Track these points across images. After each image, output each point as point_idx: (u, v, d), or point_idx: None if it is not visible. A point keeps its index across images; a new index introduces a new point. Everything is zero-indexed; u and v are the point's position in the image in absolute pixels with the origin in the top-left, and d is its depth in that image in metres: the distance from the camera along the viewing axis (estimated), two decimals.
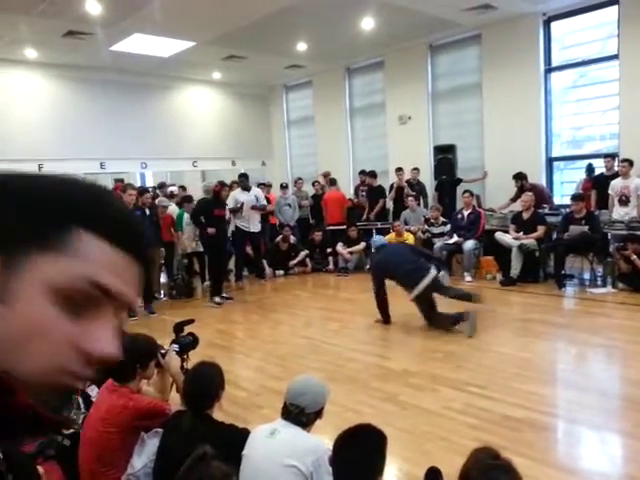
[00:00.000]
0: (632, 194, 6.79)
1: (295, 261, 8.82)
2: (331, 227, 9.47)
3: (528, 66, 8.67)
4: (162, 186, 9.41)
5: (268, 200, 9.17)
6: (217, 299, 6.92)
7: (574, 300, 6.35)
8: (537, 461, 2.69)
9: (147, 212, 6.92)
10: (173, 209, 8.04)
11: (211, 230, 6.79)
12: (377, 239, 6.06)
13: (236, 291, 7.41)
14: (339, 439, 1.79)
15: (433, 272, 5.03)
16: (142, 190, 7.32)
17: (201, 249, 7.63)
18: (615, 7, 7.78)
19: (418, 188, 9.28)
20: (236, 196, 7.76)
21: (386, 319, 5.42)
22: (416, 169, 9.39)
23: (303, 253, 8.91)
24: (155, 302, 6.82)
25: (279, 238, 8.92)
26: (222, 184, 7.12)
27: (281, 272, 8.79)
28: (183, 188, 9.28)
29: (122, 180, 11.02)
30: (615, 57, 7.91)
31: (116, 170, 10.88)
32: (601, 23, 8.22)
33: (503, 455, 1.58)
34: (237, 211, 7.68)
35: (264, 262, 8.51)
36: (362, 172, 9.80)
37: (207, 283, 8.14)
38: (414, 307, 5.23)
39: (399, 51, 10.11)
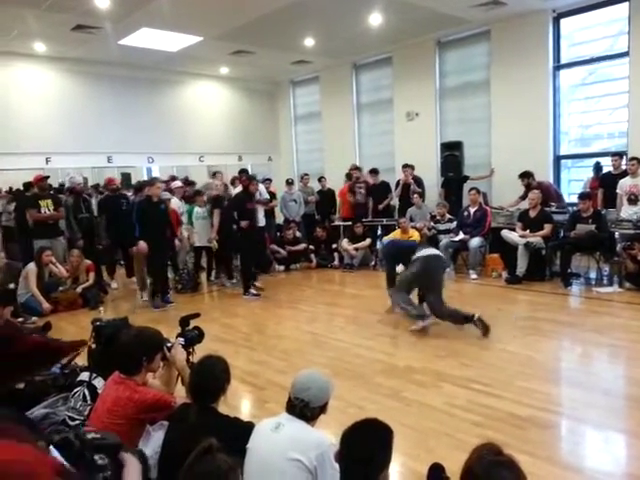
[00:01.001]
0: None
1: (295, 247, 8.87)
2: (340, 222, 9.46)
3: (537, 63, 8.61)
4: (173, 180, 9.46)
5: (272, 195, 9.20)
6: (253, 290, 7.06)
7: (580, 299, 6.33)
8: (541, 459, 2.70)
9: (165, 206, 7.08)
10: (175, 203, 8.04)
11: (244, 223, 6.98)
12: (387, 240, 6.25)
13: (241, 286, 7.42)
14: (346, 433, 1.80)
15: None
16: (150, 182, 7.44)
17: (210, 244, 7.67)
18: (626, 4, 7.71)
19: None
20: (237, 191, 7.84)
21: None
22: (409, 166, 9.19)
23: (303, 245, 8.95)
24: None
25: (285, 232, 8.97)
26: (250, 178, 7.26)
27: (281, 267, 8.80)
28: (192, 183, 9.28)
29: (129, 174, 11.07)
30: (625, 54, 7.84)
31: (123, 164, 10.92)
32: (611, 20, 8.15)
33: (506, 452, 1.58)
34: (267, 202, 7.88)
35: (274, 247, 8.69)
36: (356, 168, 9.62)
37: (212, 277, 8.21)
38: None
39: (407, 47, 10.08)
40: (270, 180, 9.71)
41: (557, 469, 2.64)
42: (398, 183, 9.42)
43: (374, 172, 9.35)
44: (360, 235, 8.75)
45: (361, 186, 9.34)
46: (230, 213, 7.25)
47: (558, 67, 8.65)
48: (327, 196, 9.95)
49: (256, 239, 7.36)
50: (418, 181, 9.14)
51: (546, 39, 8.52)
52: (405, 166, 9.19)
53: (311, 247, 9.11)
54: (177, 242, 7.25)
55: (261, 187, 8.35)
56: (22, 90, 9.56)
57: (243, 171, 8.53)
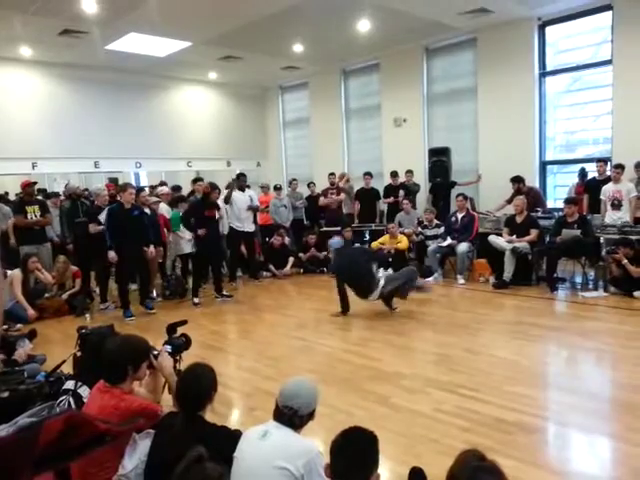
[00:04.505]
0: (624, 198, 6.85)
1: (287, 268, 8.80)
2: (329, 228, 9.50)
3: (523, 70, 8.72)
4: (162, 185, 9.40)
5: None
6: (196, 300, 7.02)
7: (566, 303, 6.39)
8: (528, 464, 2.71)
9: (148, 212, 6.96)
10: (164, 208, 8.01)
11: (201, 231, 6.87)
12: (335, 242, 6.38)
13: (229, 292, 7.39)
14: (334, 444, 1.81)
15: (381, 283, 5.67)
16: (138, 189, 7.32)
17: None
18: (609, 13, 7.85)
19: (415, 189, 9.37)
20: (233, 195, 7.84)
21: (345, 309, 5.99)
22: (410, 172, 9.41)
23: (291, 259, 8.90)
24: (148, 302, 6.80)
25: (273, 238, 8.93)
26: (213, 186, 7.18)
27: (268, 274, 8.77)
28: (178, 188, 9.23)
29: (116, 179, 10.99)
30: (609, 62, 7.98)
31: (110, 169, 10.87)
32: (595, 28, 8.29)
33: (490, 457, 1.59)
34: (228, 200, 7.74)
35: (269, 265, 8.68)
36: (332, 174, 9.78)
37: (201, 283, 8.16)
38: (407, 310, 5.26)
39: (395, 54, 10.15)
40: (268, 187, 9.84)
41: (544, 473, 2.66)
42: (386, 189, 9.49)
43: (369, 175, 9.51)
44: (350, 240, 8.76)
45: (333, 191, 9.49)
46: (188, 221, 7.09)
47: (544, 74, 8.77)
48: (316, 201, 9.96)
49: (216, 246, 7.24)
50: (407, 187, 9.23)
51: (532, 46, 8.64)
52: (407, 172, 9.40)
53: (300, 255, 9.08)
54: (152, 249, 6.56)
55: (252, 193, 8.33)
56: (8, 95, 9.47)
57: (243, 175, 8.46)
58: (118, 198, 6.58)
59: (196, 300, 7.01)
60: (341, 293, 5.98)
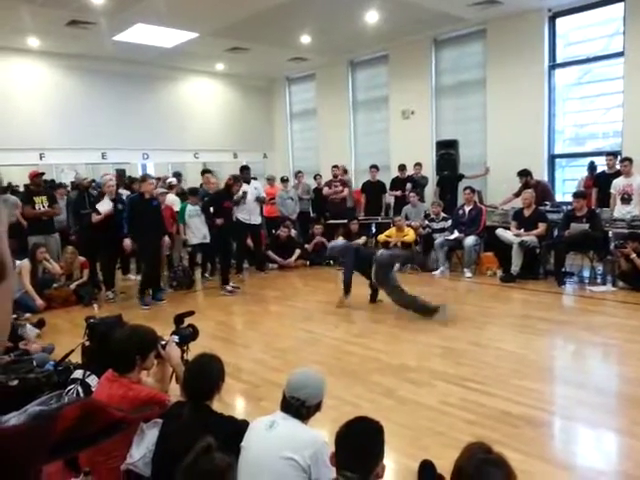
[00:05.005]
0: (635, 192, 6.77)
1: (292, 258, 8.81)
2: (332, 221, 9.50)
3: (532, 62, 8.63)
4: (174, 176, 9.43)
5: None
6: (229, 287, 7.07)
7: (574, 298, 6.36)
8: (534, 457, 2.71)
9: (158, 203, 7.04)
10: (173, 200, 8.03)
11: (219, 220, 7.01)
12: (339, 244, 6.64)
13: (236, 283, 7.41)
14: (339, 434, 1.81)
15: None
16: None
17: (208, 240, 7.69)
18: (621, 4, 7.74)
19: (423, 182, 9.34)
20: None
21: (347, 291, 6.00)
22: (418, 164, 9.38)
23: (298, 251, 8.90)
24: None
25: (280, 230, 8.94)
26: (235, 179, 7.29)
27: (275, 266, 8.78)
28: (178, 175, 9.27)
29: (123, 171, 11.02)
30: (620, 54, 7.88)
31: (118, 160, 10.87)
32: (607, 20, 8.18)
33: (496, 450, 1.59)
34: (239, 201, 7.79)
35: (270, 254, 8.65)
36: (335, 166, 9.84)
37: (207, 274, 8.20)
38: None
39: (403, 45, 10.07)
40: (273, 179, 9.88)
41: (550, 467, 2.66)
42: (393, 181, 9.46)
43: (375, 168, 9.49)
44: (355, 232, 8.74)
45: (337, 183, 9.49)
46: (207, 211, 7.26)
47: (553, 66, 8.68)
48: (322, 193, 9.93)
49: (232, 237, 7.36)
50: (415, 180, 9.20)
51: (542, 38, 8.54)
52: (416, 164, 9.39)
53: (306, 246, 9.08)
54: (167, 239, 7.00)
55: (258, 184, 8.35)
56: (16, 85, 9.49)
57: (246, 167, 8.47)
58: (137, 188, 6.72)
59: (228, 287, 7.07)
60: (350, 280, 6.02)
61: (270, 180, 10.09)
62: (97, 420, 0.46)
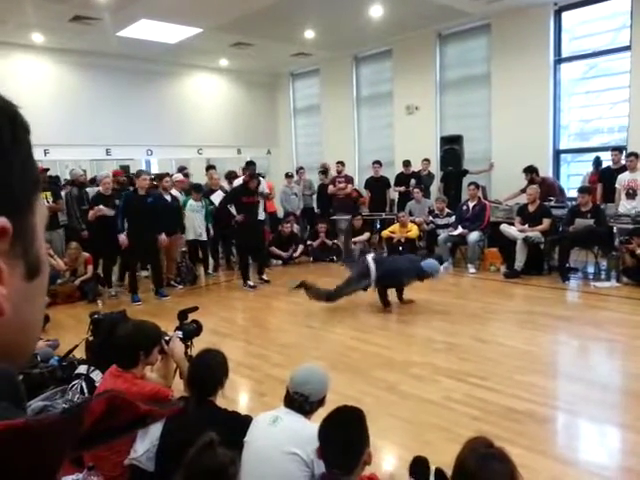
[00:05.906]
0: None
1: (297, 253, 8.80)
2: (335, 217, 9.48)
3: (538, 57, 8.57)
4: (180, 171, 9.44)
5: None
6: (250, 282, 7.11)
7: (578, 293, 6.34)
8: (538, 453, 2.71)
9: (169, 198, 7.18)
10: (178, 196, 8.03)
11: (239, 217, 7.05)
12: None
13: (240, 279, 7.42)
14: (321, 428, 1.81)
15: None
16: (161, 175, 7.75)
17: (204, 238, 7.71)
18: None
19: (428, 182, 9.29)
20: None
21: (386, 304, 5.69)
22: (427, 160, 9.33)
23: (301, 247, 8.89)
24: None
25: (282, 226, 8.94)
26: (252, 175, 7.30)
27: (279, 262, 8.78)
28: (183, 169, 9.28)
29: (127, 167, 11.03)
30: (627, 49, 7.80)
31: (121, 157, 10.88)
32: (613, 13, 8.10)
33: (498, 444, 1.59)
34: (267, 196, 7.86)
35: (274, 249, 8.67)
36: (339, 162, 9.79)
37: (210, 271, 8.20)
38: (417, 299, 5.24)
39: (407, 40, 10.02)
40: (264, 176, 9.80)
41: (553, 462, 2.65)
42: (397, 177, 9.44)
43: (378, 164, 9.47)
44: (359, 229, 8.74)
45: (341, 179, 9.47)
46: (226, 207, 7.30)
47: (559, 61, 8.61)
48: (327, 189, 9.91)
49: (252, 233, 7.34)
50: (419, 177, 9.17)
51: (547, 32, 8.47)
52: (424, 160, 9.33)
53: (309, 242, 9.07)
54: (163, 237, 6.66)
55: (262, 180, 8.32)
56: (20, 81, 9.48)
57: (252, 163, 8.46)
58: (135, 184, 6.73)
59: (250, 283, 7.11)
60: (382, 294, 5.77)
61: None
62: (122, 414, 0.46)
